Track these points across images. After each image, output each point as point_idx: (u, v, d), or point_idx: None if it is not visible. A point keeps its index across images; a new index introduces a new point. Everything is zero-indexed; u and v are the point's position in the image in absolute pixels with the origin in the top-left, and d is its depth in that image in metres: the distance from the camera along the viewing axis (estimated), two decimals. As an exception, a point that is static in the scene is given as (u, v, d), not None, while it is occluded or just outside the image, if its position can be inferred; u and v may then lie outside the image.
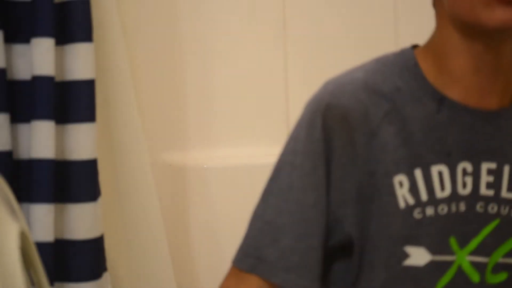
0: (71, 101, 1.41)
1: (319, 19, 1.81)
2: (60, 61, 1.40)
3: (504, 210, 0.95)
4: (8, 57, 1.39)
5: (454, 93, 0.96)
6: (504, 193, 0.95)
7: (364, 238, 0.95)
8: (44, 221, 1.34)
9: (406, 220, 0.94)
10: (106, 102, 1.52)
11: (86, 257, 1.41)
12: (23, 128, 1.39)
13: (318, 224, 0.96)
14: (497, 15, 0.88)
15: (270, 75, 1.79)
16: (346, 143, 0.95)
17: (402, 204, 0.94)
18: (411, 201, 0.94)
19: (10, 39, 1.39)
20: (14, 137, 1.39)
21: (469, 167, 0.95)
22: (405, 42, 1.81)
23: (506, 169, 0.96)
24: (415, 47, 1.03)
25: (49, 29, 1.36)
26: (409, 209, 0.94)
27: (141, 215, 1.59)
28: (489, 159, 0.95)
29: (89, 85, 1.41)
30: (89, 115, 1.41)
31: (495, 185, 0.95)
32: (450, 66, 0.96)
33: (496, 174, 0.95)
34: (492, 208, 0.95)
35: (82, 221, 1.40)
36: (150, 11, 1.76)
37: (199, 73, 1.78)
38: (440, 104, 0.96)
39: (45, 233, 1.34)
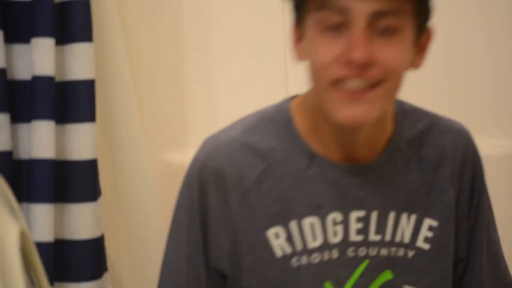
0: (71, 101, 1.41)
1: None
2: (60, 61, 1.40)
3: (373, 252, 1.04)
4: (8, 57, 1.39)
5: (323, 150, 1.03)
6: (372, 236, 1.04)
7: None
8: (44, 221, 1.34)
9: (283, 268, 1.02)
10: (106, 102, 1.52)
11: (86, 257, 1.40)
12: (23, 128, 1.39)
13: (189, 276, 1.05)
14: (347, 113, 0.93)
15: (270, 76, 1.79)
16: (221, 202, 1.03)
17: (279, 253, 1.02)
18: (288, 250, 1.02)
19: (10, 39, 1.39)
20: (14, 137, 1.38)
21: (339, 217, 1.03)
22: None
23: (374, 215, 1.04)
24: (294, 97, 1.09)
25: (49, 29, 1.36)
26: (287, 257, 1.02)
27: (141, 215, 1.59)
28: (357, 208, 1.03)
29: (89, 85, 1.41)
30: (89, 115, 1.41)
31: (364, 230, 1.03)
32: (319, 128, 1.03)
33: (365, 220, 1.03)
34: (362, 251, 1.04)
35: (82, 221, 1.40)
36: (151, 11, 1.76)
37: (199, 73, 1.78)
38: (310, 161, 1.03)
39: (45, 233, 1.34)
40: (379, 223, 1.04)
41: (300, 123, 1.05)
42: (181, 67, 1.77)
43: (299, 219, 1.02)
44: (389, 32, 0.93)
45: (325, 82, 0.94)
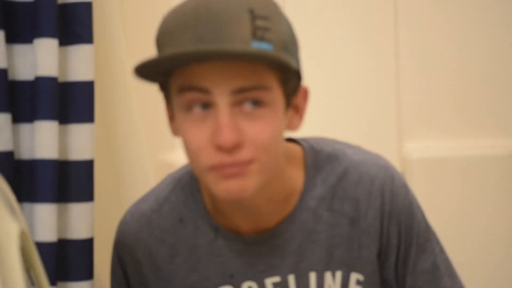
0: (72, 102, 1.41)
1: (319, 20, 1.81)
2: (62, 62, 1.41)
3: None
4: (10, 57, 1.39)
5: (225, 223, 1.04)
6: None
7: None
8: (47, 221, 1.34)
9: None
10: (107, 103, 1.52)
11: (88, 256, 1.41)
12: (24, 128, 1.39)
13: None
14: (226, 188, 0.91)
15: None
16: (137, 275, 1.08)
17: None
18: None
19: (11, 39, 1.39)
20: (15, 137, 1.39)
21: (254, 285, 1.03)
22: (405, 42, 1.82)
23: (291, 278, 1.03)
24: None
25: (52, 29, 1.36)
26: None
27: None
28: (271, 274, 1.03)
29: (89, 86, 1.41)
30: (88, 116, 1.41)
31: None
32: (215, 202, 1.03)
33: (282, 285, 1.03)
34: None
35: (83, 220, 1.40)
36: (151, 13, 1.76)
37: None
38: (215, 233, 1.04)
39: (48, 233, 1.34)
40: (300, 286, 1.02)
41: (205, 195, 1.05)
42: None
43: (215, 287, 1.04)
44: (256, 106, 0.90)
45: (201, 168, 0.93)
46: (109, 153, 1.53)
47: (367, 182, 1.03)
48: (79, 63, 1.40)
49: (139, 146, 1.55)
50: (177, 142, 1.80)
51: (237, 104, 0.89)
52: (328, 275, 1.03)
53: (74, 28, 1.40)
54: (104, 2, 1.48)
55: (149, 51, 1.77)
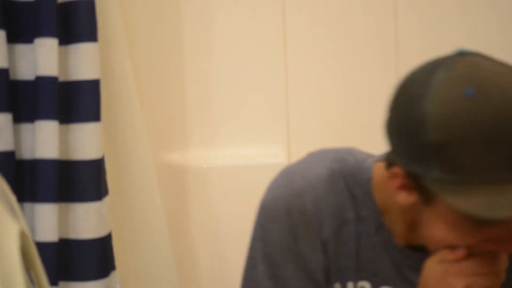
0: (76, 101, 1.41)
1: (319, 20, 1.81)
2: (64, 61, 1.41)
3: None
4: (11, 57, 1.39)
5: (391, 224, 0.99)
6: None
7: None
8: (48, 221, 1.34)
9: None
10: (109, 102, 1.52)
11: (92, 256, 1.41)
12: (25, 128, 1.40)
13: None
14: None
15: (270, 75, 1.79)
16: (310, 247, 0.98)
17: None
18: None
19: (13, 39, 1.39)
20: (16, 137, 1.39)
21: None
22: (405, 42, 1.82)
23: None
24: (379, 160, 1.03)
25: (52, 29, 1.36)
26: None
27: (144, 214, 1.59)
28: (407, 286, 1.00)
29: (94, 85, 1.41)
30: (94, 115, 1.41)
31: None
32: (394, 222, 0.99)
33: None
34: None
35: (87, 220, 1.40)
36: (152, 12, 1.76)
37: (199, 73, 1.78)
38: (377, 229, 1.00)
39: (49, 233, 1.34)
40: None
41: (378, 191, 1.00)
42: (182, 67, 1.77)
43: (355, 281, 1.00)
44: None
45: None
46: (110, 152, 1.53)
47: None
48: (83, 62, 1.40)
49: (141, 145, 1.55)
50: (177, 142, 1.81)
51: None
52: None
53: (77, 27, 1.40)
54: (105, 1, 1.49)
55: (150, 52, 1.78)
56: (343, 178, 1.00)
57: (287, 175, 1.02)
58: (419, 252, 0.99)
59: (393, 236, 1.00)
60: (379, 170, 0.99)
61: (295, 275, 0.98)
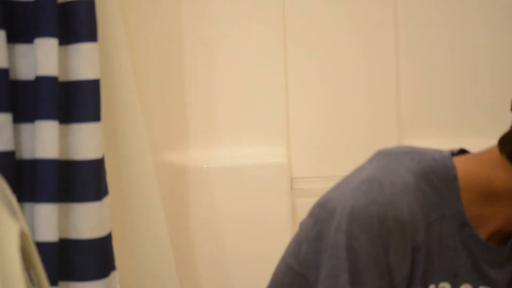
0: (76, 101, 1.41)
1: (319, 19, 1.81)
2: (64, 61, 1.41)
3: None
4: (11, 57, 1.39)
5: (475, 222, 0.99)
6: None
7: None
8: (48, 221, 1.34)
9: None
10: (109, 102, 1.52)
11: (92, 256, 1.40)
12: (25, 128, 1.40)
13: None
14: None
15: (270, 76, 1.79)
16: (401, 256, 0.95)
17: None
18: None
19: (13, 39, 1.39)
20: (16, 137, 1.39)
21: None
22: (405, 42, 1.82)
23: None
24: (454, 154, 1.03)
25: (52, 29, 1.36)
26: None
27: (144, 214, 1.59)
28: (486, 284, 1.00)
29: (94, 84, 1.41)
30: (94, 115, 1.41)
31: None
32: (490, 209, 0.99)
33: None
34: None
35: (87, 220, 1.40)
36: (153, 12, 1.76)
37: (200, 73, 1.79)
38: (459, 227, 0.98)
39: (49, 232, 1.34)
40: None
41: (465, 187, 0.98)
42: (182, 67, 1.78)
43: (437, 283, 0.99)
44: None
45: None
46: (110, 152, 1.53)
47: None
48: (83, 62, 1.40)
49: (141, 145, 1.56)
50: (177, 142, 1.82)
51: None
52: None
53: (77, 26, 1.40)
54: (105, 1, 1.49)
55: (149, 52, 1.78)
56: (427, 179, 0.98)
57: (373, 181, 0.96)
58: (503, 246, 0.99)
59: (480, 231, 0.99)
60: (463, 166, 0.99)
61: (376, 285, 0.95)
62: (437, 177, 0.98)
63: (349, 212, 0.95)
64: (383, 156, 1.02)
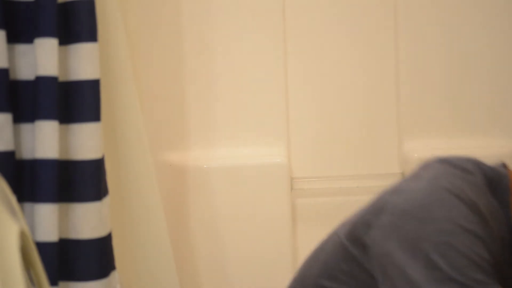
0: (76, 101, 1.41)
1: (319, 20, 1.81)
2: (64, 61, 1.41)
3: None
4: (11, 57, 1.39)
5: None
6: None
7: None
8: (48, 221, 1.34)
9: None
10: (109, 102, 1.52)
11: (92, 256, 1.40)
12: (25, 128, 1.40)
13: None
14: None
15: (270, 76, 1.80)
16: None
17: None
18: None
19: (13, 39, 1.39)
20: (16, 137, 1.39)
21: None
22: (405, 43, 1.82)
23: None
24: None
25: (52, 29, 1.36)
26: None
27: (144, 214, 1.59)
28: None
29: (94, 85, 1.41)
30: (94, 115, 1.41)
31: None
32: None
33: None
34: None
35: (87, 220, 1.40)
36: (152, 12, 1.76)
37: (200, 73, 1.79)
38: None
39: (49, 233, 1.34)
40: None
41: None
42: (182, 67, 1.78)
43: None
44: None
45: None
46: (110, 152, 1.53)
47: None
48: (83, 62, 1.40)
49: (141, 145, 1.56)
50: (177, 142, 1.82)
51: None
52: None
53: (77, 27, 1.40)
54: (105, 1, 1.49)
55: (149, 51, 1.78)
56: (481, 178, 1.04)
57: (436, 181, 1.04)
58: None
59: None
60: None
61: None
62: (494, 183, 1.05)
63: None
64: (431, 176, 1.07)
